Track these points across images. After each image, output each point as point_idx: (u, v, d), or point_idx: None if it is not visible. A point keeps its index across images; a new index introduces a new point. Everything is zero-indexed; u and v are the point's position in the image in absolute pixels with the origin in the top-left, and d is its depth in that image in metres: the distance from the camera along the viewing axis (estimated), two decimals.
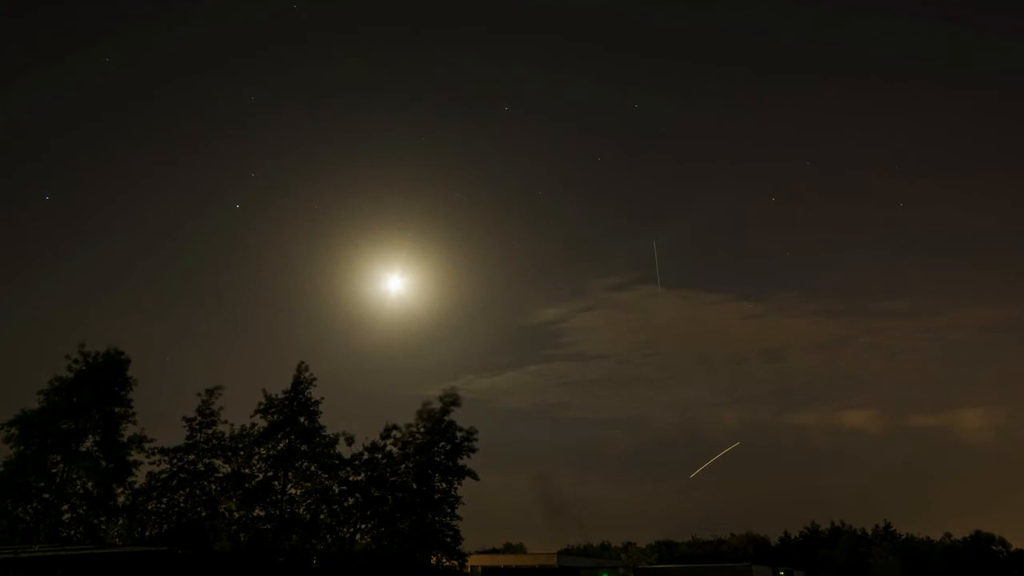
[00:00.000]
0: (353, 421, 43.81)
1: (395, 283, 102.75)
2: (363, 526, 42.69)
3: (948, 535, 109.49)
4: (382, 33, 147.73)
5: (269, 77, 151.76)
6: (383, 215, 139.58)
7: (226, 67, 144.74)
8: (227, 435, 40.39)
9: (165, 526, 37.42)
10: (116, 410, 38.22)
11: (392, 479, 43.44)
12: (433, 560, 42.96)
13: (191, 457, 39.13)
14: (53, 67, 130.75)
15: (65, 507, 35.92)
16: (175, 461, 38.78)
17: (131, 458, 37.97)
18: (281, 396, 41.95)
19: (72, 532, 35.54)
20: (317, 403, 42.45)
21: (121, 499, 37.52)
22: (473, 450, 45.01)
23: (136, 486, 37.84)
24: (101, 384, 37.71)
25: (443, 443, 44.63)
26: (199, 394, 40.64)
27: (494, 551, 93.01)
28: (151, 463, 38.42)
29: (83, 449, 36.85)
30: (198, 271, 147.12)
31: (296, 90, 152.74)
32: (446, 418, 45.08)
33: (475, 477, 44.63)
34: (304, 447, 41.22)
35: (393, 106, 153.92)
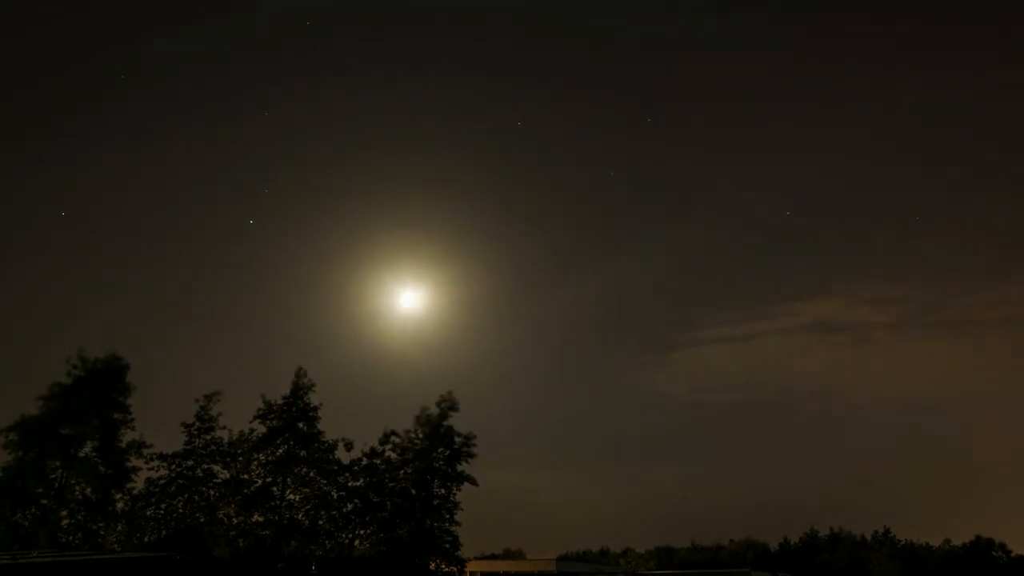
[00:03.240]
0: (367, 433, 43.77)
1: (407, 297, 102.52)
2: (362, 532, 42.69)
3: (948, 541, 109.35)
4: (394, 45, 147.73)
5: (282, 90, 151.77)
6: (395, 229, 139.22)
7: (241, 80, 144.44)
8: (226, 441, 40.47)
9: (164, 532, 37.48)
10: (115, 416, 38.28)
11: (391, 485, 43.44)
12: (432, 566, 42.93)
13: (190, 463, 39.21)
14: (66, 73, 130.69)
15: (64, 513, 35.99)
16: (173, 467, 38.86)
17: (130, 464, 38.07)
18: (280, 402, 42.00)
19: (71, 538, 35.60)
20: (316, 409, 42.51)
21: (120, 505, 37.61)
22: (472, 455, 45.04)
23: (135, 492, 37.96)
24: (100, 390, 37.77)
25: (442, 448, 44.64)
26: (197, 400, 40.79)
27: (493, 557, 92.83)
28: (150, 469, 38.60)
29: (82, 455, 36.94)
30: (208, 283, 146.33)
31: (309, 103, 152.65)
32: (445, 423, 45.10)
33: (474, 483, 44.62)
34: (303, 453, 41.25)
35: (405, 119, 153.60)
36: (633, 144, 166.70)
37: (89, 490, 36.57)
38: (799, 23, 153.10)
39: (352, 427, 43.57)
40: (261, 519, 39.55)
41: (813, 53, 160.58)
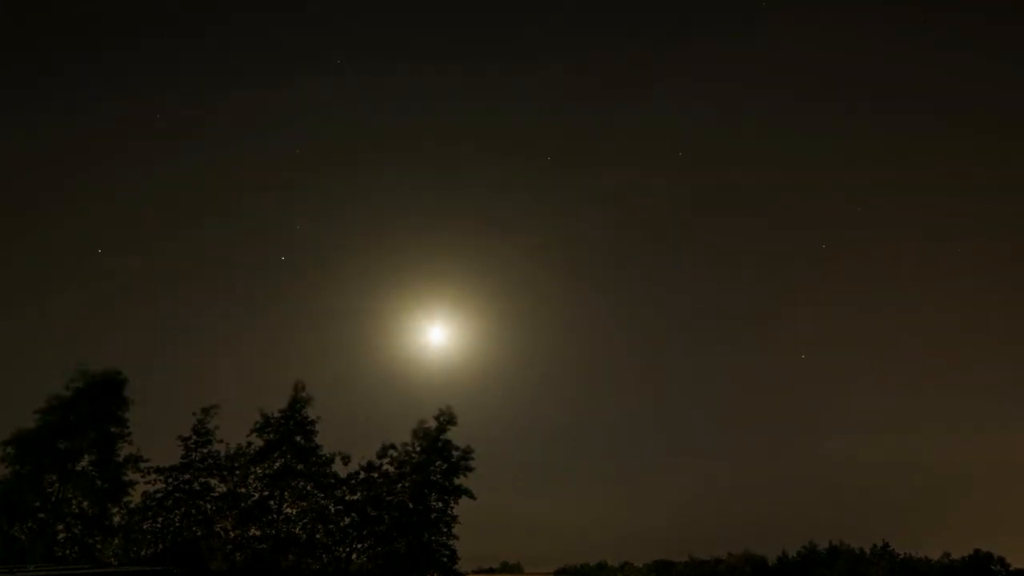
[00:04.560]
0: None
1: (436, 334, 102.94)
2: (359, 545, 42.56)
3: (947, 554, 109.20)
4: (424, 84, 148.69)
5: (312, 129, 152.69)
6: (425, 266, 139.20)
7: (273, 114, 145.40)
8: (223, 454, 40.48)
9: (161, 545, 37.41)
10: (112, 429, 38.31)
11: (388, 498, 43.37)
12: None
13: (187, 476, 39.20)
14: (106, 108, 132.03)
15: (61, 526, 35.95)
16: (171, 480, 38.88)
17: (127, 478, 38.08)
18: (277, 415, 42.05)
19: (68, 552, 35.54)
20: (313, 422, 42.56)
21: (117, 519, 37.59)
22: (470, 469, 44.99)
23: (132, 506, 37.94)
24: (98, 404, 37.82)
25: (439, 462, 44.61)
26: (194, 413, 40.86)
27: (491, 571, 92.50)
28: (146, 483, 38.63)
29: (79, 468, 36.92)
30: (235, 315, 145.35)
31: (338, 142, 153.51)
32: (442, 437, 45.09)
33: (471, 496, 44.53)
34: (300, 466, 41.25)
35: (435, 155, 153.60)
36: (668, 178, 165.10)
37: (86, 504, 36.56)
38: None
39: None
40: (258, 533, 39.51)
41: None
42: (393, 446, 44.88)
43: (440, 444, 44.92)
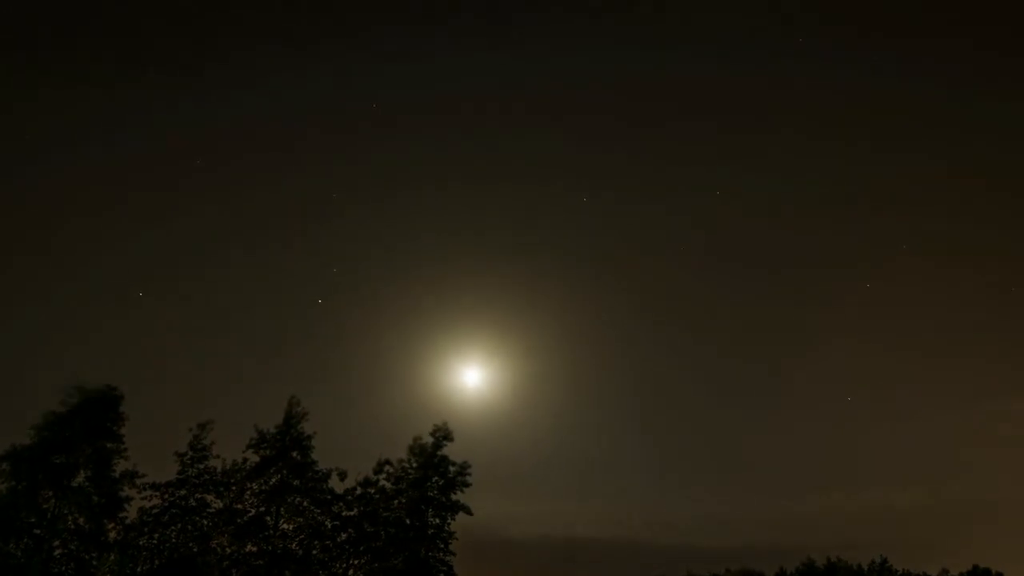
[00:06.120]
0: None
1: (472, 376, 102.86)
2: (356, 562, 42.45)
3: (945, 570, 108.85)
4: (450, 122, 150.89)
5: (347, 172, 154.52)
6: (460, 309, 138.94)
7: (309, 160, 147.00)
8: (219, 470, 40.47)
9: (157, 561, 37.36)
10: (108, 445, 38.26)
11: (385, 514, 43.31)
12: None
13: (183, 492, 39.19)
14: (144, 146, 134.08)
15: (56, 543, 35.80)
16: (167, 496, 38.86)
17: (123, 493, 37.96)
18: (273, 431, 42.07)
19: (63, 568, 35.44)
20: (309, 438, 42.56)
21: (113, 534, 37.43)
22: (467, 484, 44.95)
23: (128, 521, 37.81)
24: (93, 419, 37.78)
25: (436, 478, 44.56)
26: (190, 429, 40.91)
27: None
28: (143, 498, 38.59)
29: (75, 484, 36.80)
30: (269, 357, 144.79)
31: (372, 185, 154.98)
32: (439, 453, 45.08)
33: (469, 512, 44.48)
34: (296, 482, 41.23)
35: (464, 195, 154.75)
36: (702, 217, 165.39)
37: (82, 520, 36.39)
38: None
39: None
40: (254, 549, 39.46)
41: None
42: (388, 462, 44.90)
43: (436, 460, 44.89)
